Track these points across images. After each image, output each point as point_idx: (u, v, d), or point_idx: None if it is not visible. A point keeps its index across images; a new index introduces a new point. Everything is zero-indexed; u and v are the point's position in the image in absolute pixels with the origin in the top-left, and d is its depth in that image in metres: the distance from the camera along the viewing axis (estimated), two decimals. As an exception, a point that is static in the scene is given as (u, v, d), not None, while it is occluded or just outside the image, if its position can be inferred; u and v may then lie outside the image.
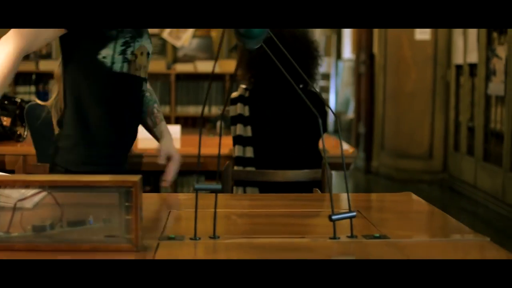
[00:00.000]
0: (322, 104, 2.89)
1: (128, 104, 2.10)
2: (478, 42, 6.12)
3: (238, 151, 2.80)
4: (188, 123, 5.45)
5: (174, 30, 6.24)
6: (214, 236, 1.47)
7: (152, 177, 3.84)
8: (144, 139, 3.61)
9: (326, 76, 11.47)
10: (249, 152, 2.77)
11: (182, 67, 5.68)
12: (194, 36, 6.21)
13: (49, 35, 1.98)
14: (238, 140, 2.80)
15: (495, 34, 5.88)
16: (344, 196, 2.04)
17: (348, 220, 1.67)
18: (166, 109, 5.60)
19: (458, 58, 6.70)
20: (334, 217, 1.45)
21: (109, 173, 1.43)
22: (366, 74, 7.55)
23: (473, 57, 6.28)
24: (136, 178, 1.35)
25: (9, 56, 1.87)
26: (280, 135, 2.78)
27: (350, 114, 9.48)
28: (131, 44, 2.04)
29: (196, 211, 1.46)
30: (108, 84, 2.04)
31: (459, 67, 6.72)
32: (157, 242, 1.42)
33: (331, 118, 11.37)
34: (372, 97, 7.50)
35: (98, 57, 2.00)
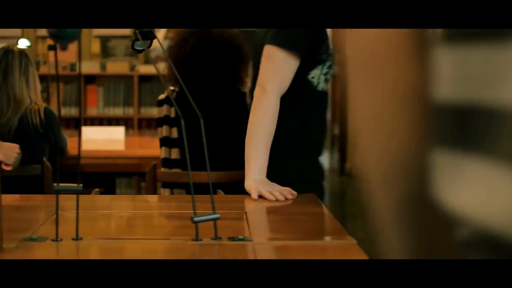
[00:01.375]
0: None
1: (323, 118, 2.25)
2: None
3: (164, 152, 2.78)
4: (152, 125, 5.43)
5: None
6: (76, 238, 1.45)
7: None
8: (87, 141, 3.61)
9: (310, 77, 11.47)
10: (175, 153, 2.76)
11: (146, 69, 5.68)
12: (165, 37, 6.18)
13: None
14: (164, 142, 2.79)
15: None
16: (245, 197, 2.03)
17: (231, 222, 1.66)
18: (130, 110, 5.59)
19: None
20: (196, 219, 1.44)
21: None
22: (340, 75, 7.53)
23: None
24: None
25: (276, 109, 2.06)
26: (206, 136, 2.76)
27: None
28: (332, 66, 2.20)
29: (57, 213, 1.44)
30: (311, 100, 2.18)
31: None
32: (17, 243, 1.41)
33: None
34: (346, 98, 7.49)
35: (308, 76, 2.14)
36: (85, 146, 3.50)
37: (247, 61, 2.91)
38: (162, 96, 2.84)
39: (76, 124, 5.43)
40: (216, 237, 1.46)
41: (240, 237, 1.47)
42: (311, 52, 2.11)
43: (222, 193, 2.26)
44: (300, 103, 2.15)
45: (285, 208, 1.85)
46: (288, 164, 2.15)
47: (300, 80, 2.11)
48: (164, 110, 2.81)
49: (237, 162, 2.77)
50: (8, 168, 2.45)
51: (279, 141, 2.10)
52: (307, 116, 2.16)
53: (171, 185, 2.74)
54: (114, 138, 3.59)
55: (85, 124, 5.50)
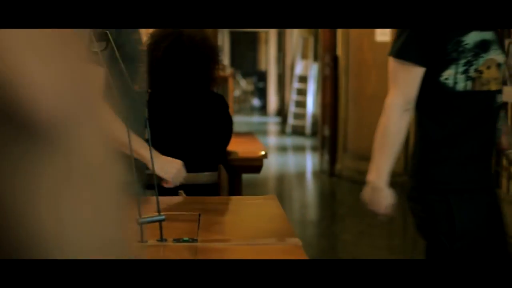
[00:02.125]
0: (225, 107, 2.88)
1: (476, 120, 2.10)
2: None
3: (136, 153, 2.78)
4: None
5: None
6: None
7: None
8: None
9: (304, 79, 11.47)
10: (147, 154, 2.76)
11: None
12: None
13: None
14: (136, 143, 2.79)
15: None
16: (205, 198, 2.03)
17: (183, 224, 1.67)
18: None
19: (417, 60, 6.67)
20: (141, 220, 1.44)
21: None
22: (330, 77, 7.53)
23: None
24: None
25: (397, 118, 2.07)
26: (178, 137, 2.77)
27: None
28: (474, 62, 2.05)
29: None
30: (450, 103, 2.08)
31: (418, 69, 6.70)
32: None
33: (309, 121, 11.36)
34: (336, 100, 7.48)
35: (440, 79, 2.05)
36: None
37: (220, 62, 2.91)
38: (134, 98, 2.84)
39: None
40: (162, 239, 1.47)
41: (185, 238, 1.47)
42: (435, 54, 2.03)
43: (184, 194, 2.26)
44: (436, 108, 2.07)
45: (241, 210, 1.85)
46: (427, 172, 2.09)
47: (432, 84, 2.05)
48: (136, 111, 2.81)
49: (206, 164, 2.78)
50: (169, 185, 2.23)
51: (419, 148, 2.13)
52: (447, 120, 2.07)
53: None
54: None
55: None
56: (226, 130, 2.89)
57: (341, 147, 7.35)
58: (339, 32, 7.36)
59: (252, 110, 17.16)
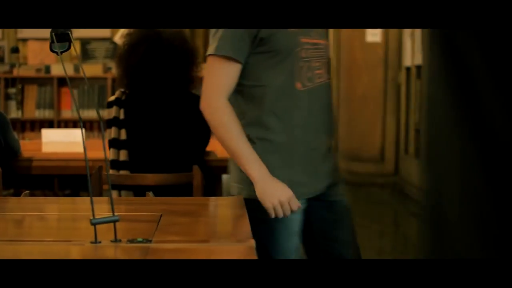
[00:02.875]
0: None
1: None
2: (423, 43, 6.11)
3: (112, 154, 2.79)
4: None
5: (125, 33, 6.22)
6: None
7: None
8: (47, 143, 3.62)
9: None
10: (124, 155, 2.77)
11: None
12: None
13: None
14: (112, 143, 2.80)
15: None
16: (173, 199, 2.04)
17: (142, 225, 1.67)
18: (105, 112, 5.60)
19: (407, 60, 6.69)
20: (94, 221, 1.44)
21: None
22: (322, 77, 7.54)
23: (419, 59, 6.27)
24: None
25: None
26: (154, 138, 2.78)
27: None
28: None
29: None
30: None
31: (408, 69, 6.71)
32: None
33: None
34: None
35: None
36: (45, 149, 3.51)
37: (198, 62, 2.92)
38: (111, 98, 2.86)
39: (50, 126, 5.45)
40: (116, 239, 1.47)
41: (139, 239, 1.48)
42: None
43: (151, 195, 2.26)
44: None
45: (204, 211, 1.86)
46: None
47: None
48: (113, 112, 2.83)
49: (180, 165, 2.78)
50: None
51: None
52: None
53: (119, 187, 2.75)
54: (73, 140, 3.60)
55: (59, 127, 5.51)
56: (204, 131, 2.90)
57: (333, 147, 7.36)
58: (330, 32, 7.37)
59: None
